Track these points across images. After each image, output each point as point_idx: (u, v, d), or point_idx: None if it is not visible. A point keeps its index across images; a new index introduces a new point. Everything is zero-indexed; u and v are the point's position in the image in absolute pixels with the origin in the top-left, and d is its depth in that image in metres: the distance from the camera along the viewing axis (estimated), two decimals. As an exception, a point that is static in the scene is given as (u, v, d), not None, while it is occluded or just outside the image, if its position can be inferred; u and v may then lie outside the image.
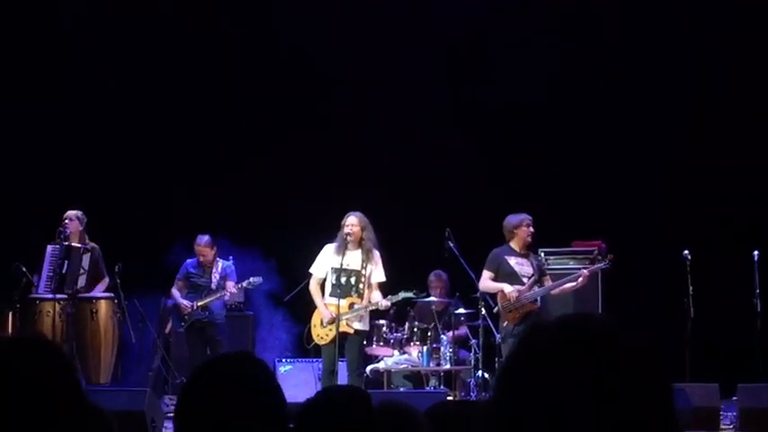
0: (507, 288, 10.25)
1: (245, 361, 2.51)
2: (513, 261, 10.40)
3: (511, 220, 10.50)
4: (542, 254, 11.29)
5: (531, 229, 10.44)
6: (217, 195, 13.13)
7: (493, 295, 10.62)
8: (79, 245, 11.12)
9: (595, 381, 1.43)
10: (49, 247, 11.11)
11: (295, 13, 14.00)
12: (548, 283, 10.48)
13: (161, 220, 13.11)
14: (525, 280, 10.33)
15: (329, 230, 10.52)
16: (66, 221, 11.15)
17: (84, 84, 13.71)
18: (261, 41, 14.13)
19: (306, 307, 10.76)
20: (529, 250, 10.55)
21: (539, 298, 10.45)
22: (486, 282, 10.46)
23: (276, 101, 14.00)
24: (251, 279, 11.58)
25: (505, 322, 10.30)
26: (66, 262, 11.00)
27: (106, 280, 11.35)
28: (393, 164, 13.50)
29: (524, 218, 10.48)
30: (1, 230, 12.65)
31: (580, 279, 10.39)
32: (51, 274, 11.01)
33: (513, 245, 10.45)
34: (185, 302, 11.52)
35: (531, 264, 10.45)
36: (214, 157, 13.84)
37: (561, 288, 10.48)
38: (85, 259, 11.11)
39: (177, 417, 2.46)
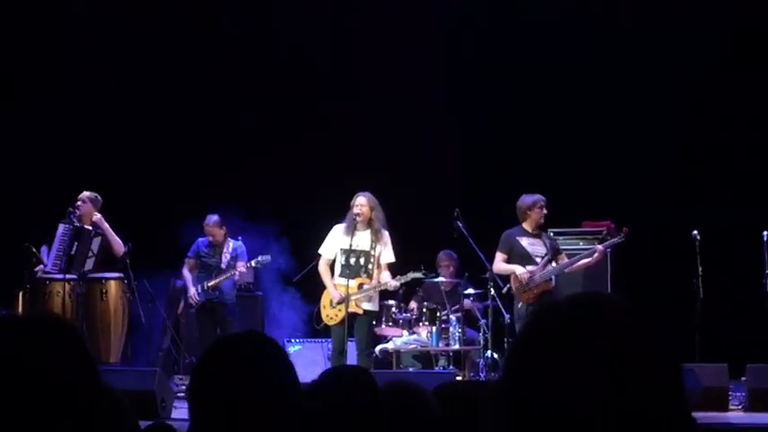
0: (519, 270, 10.25)
1: (256, 340, 2.51)
2: (525, 242, 10.39)
3: (525, 200, 10.48)
4: (551, 234, 11.27)
5: (545, 210, 10.43)
6: (217, 195, 13.06)
7: (506, 277, 10.62)
8: (90, 227, 11.11)
9: (603, 360, 1.43)
10: (61, 226, 11.11)
11: (295, 13, 13.96)
12: (563, 260, 10.47)
13: (170, 199, 13.11)
14: (538, 260, 10.32)
15: (335, 215, 10.55)
16: (79, 203, 11.14)
17: (84, 84, 13.70)
18: (261, 41, 14.10)
19: (316, 287, 10.77)
20: (541, 230, 10.54)
21: (553, 277, 10.43)
22: (500, 264, 10.46)
23: (276, 101, 13.97)
24: (259, 258, 11.58)
25: (519, 303, 10.31)
26: (76, 243, 10.99)
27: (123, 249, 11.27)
28: (396, 152, 13.46)
29: (538, 199, 10.45)
30: (9, 212, 12.70)
31: (595, 255, 10.37)
32: (60, 253, 11.02)
33: (526, 225, 10.44)
34: (192, 292, 11.53)
35: (545, 243, 10.43)
36: (214, 157, 13.83)
37: (577, 265, 10.47)
38: (95, 243, 11.10)
39: (190, 396, 2.46)
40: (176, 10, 13.89)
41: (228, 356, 2.44)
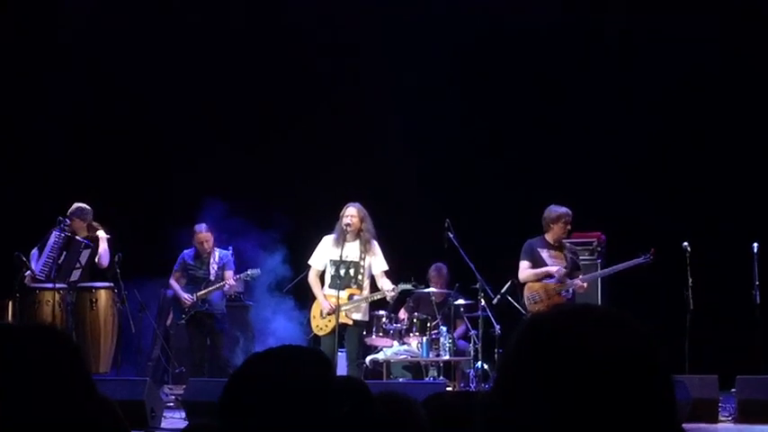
0: (553, 268, 10.26)
1: (297, 358, 2.47)
2: (545, 254, 10.36)
3: (551, 213, 10.41)
4: (574, 248, 11.18)
5: (569, 226, 10.39)
6: (221, 188, 13.03)
7: (519, 288, 10.55)
8: (81, 239, 11.09)
9: (597, 370, 1.43)
10: (54, 233, 11.09)
11: (296, 24, 13.97)
12: (580, 276, 10.44)
13: (161, 206, 13.09)
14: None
15: (330, 222, 10.54)
16: (68, 221, 11.11)
17: (86, 78, 13.67)
18: (265, 41, 14.08)
19: (309, 297, 10.77)
20: (563, 243, 10.49)
21: (571, 290, 10.38)
22: (527, 271, 10.36)
23: (277, 106, 13.95)
24: (249, 271, 11.55)
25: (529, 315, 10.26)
26: (65, 253, 10.99)
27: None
28: (395, 153, 13.46)
29: (564, 213, 10.36)
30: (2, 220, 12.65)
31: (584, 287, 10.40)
32: (50, 260, 11.00)
33: (548, 237, 10.40)
34: (186, 296, 11.50)
35: (565, 257, 10.39)
36: (213, 163, 13.80)
37: (576, 286, 10.44)
38: (84, 255, 11.07)
39: (222, 404, 2.43)
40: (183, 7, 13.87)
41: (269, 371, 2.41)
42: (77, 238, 11.07)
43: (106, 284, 11.27)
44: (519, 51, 13.72)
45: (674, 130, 13.51)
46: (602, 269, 11.42)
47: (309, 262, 10.53)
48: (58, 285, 10.86)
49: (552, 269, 10.25)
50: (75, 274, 11.03)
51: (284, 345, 2.59)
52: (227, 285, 11.54)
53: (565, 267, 10.30)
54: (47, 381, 1.82)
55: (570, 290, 10.38)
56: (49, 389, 1.82)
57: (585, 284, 10.47)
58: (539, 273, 10.32)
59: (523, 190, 12.81)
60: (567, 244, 10.61)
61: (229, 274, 11.53)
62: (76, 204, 11.25)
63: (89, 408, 1.87)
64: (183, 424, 9.45)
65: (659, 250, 10.72)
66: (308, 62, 14.00)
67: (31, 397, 1.80)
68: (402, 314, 11.81)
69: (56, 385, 1.83)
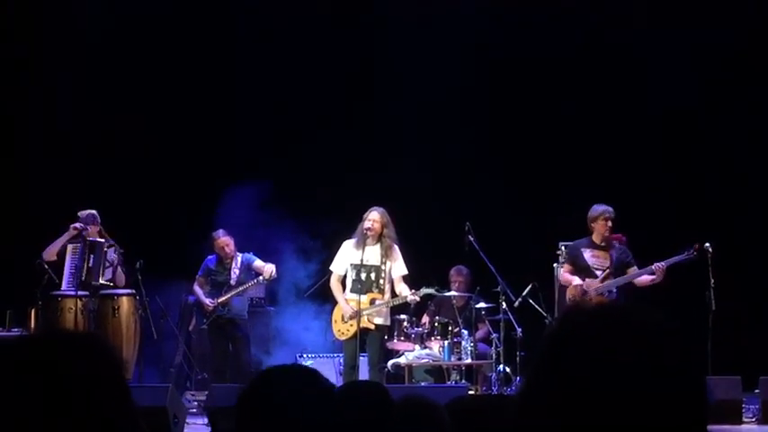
0: (576, 281, 10.26)
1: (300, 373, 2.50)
2: (587, 254, 10.33)
3: (592, 212, 10.41)
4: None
5: (610, 223, 10.28)
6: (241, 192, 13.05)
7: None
8: (102, 240, 11.16)
9: (627, 369, 1.42)
10: (69, 246, 11.12)
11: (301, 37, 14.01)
12: (630, 274, 10.30)
13: (181, 213, 13.11)
14: (599, 273, 10.17)
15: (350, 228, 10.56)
16: (88, 228, 11.15)
17: (102, 77, 13.70)
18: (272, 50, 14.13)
19: (330, 301, 10.78)
20: (609, 242, 10.41)
21: (615, 290, 10.29)
22: (563, 275, 10.51)
23: (286, 115, 13.99)
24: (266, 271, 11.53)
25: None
26: (92, 256, 11.05)
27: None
28: (414, 159, 13.47)
29: (604, 210, 10.33)
30: (22, 230, 12.68)
31: (658, 272, 10.22)
32: (73, 270, 11.04)
33: (594, 237, 10.39)
34: (208, 301, 11.52)
35: (611, 256, 10.30)
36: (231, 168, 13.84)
37: (638, 281, 10.32)
38: (110, 253, 11.14)
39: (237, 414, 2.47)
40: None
41: (274, 390, 2.44)
42: (98, 240, 11.12)
43: (128, 291, 11.31)
44: (534, 54, 13.71)
45: (677, 130, 13.47)
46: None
47: (330, 267, 10.55)
48: (80, 293, 10.91)
49: (575, 282, 10.25)
50: (108, 273, 11.08)
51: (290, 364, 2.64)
52: (262, 278, 11.44)
53: (608, 268, 10.22)
54: (89, 390, 1.83)
55: (614, 289, 10.27)
56: (91, 399, 1.82)
57: (654, 276, 10.28)
58: (568, 280, 10.38)
59: (544, 193, 12.79)
60: (616, 244, 10.50)
61: (259, 264, 11.47)
62: (88, 211, 11.27)
63: (128, 419, 1.89)
64: (205, 430, 9.49)
65: (681, 251, 10.67)
66: (319, 64, 14.02)
67: (72, 406, 1.81)
68: (425, 319, 11.82)
69: (98, 395, 1.84)
